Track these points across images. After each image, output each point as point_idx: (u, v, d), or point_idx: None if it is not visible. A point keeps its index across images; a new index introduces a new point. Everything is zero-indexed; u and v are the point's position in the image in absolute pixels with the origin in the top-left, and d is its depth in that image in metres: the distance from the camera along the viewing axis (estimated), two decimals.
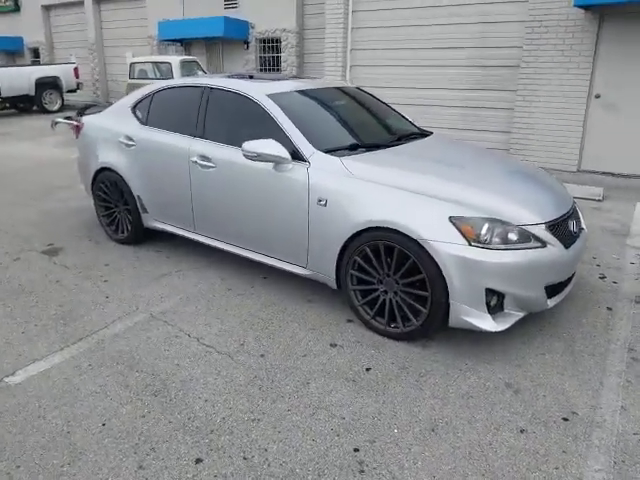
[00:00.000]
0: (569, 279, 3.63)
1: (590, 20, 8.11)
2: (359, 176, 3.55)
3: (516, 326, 3.43)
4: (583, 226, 3.84)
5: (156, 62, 13.55)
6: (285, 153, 3.70)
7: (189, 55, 17.38)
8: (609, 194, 7.26)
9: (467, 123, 9.89)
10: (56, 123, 11.41)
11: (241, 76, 4.69)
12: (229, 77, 4.57)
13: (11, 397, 2.97)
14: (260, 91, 4.11)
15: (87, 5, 20.00)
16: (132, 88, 13.88)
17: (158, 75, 13.57)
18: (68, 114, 12.93)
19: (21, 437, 2.67)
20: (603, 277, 4.51)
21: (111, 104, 5.60)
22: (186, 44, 17.37)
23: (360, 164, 3.63)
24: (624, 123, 8.26)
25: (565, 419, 2.79)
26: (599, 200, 6.87)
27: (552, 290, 3.41)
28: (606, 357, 3.35)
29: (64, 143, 11.42)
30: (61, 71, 17.97)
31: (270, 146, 3.70)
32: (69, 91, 18.31)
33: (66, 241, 5.33)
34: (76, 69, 18.40)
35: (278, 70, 15.29)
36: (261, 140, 3.73)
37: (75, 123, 11.18)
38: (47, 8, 21.92)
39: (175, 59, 13.27)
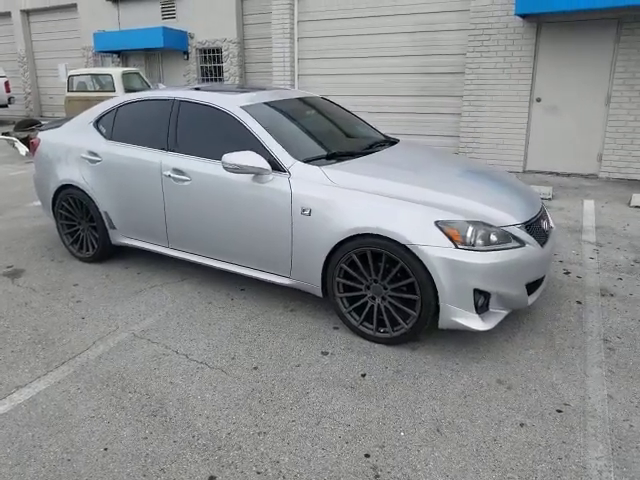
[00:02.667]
0: (544, 276, 3.79)
1: (529, 28, 8.51)
2: (342, 184, 3.59)
3: (497, 324, 3.54)
4: (552, 224, 4.02)
5: (96, 74, 13.17)
6: (265, 164, 3.70)
7: (127, 66, 17.04)
8: (556, 193, 7.61)
9: (416, 129, 10.15)
10: None
11: (209, 88, 4.65)
12: (196, 89, 4.52)
13: (0, 428, 2.83)
14: (233, 103, 4.10)
15: (15, 17, 19.32)
16: (71, 101, 13.47)
17: (98, 87, 13.21)
18: (5, 130, 12.41)
19: (19, 469, 2.55)
20: (567, 272, 4.73)
21: (44, 118, 5.42)
22: (124, 55, 17.03)
23: (341, 172, 3.67)
24: (564, 124, 8.69)
25: (559, 411, 2.91)
26: (549, 199, 7.19)
27: (531, 287, 3.56)
28: (585, 349, 3.51)
29: (2, 160, 10.93)
30: None
31: (250, 158, 3.69)
32: (0, 106, 17.56)
33: (27, 262, 5.12)
34: (7, 83, 17.66)
35: (221, 80, 15.21)
36: (241, 152, 3.71)
37: (14, 139, 10.75)
38: None
39: (117, 71, 12.94)
